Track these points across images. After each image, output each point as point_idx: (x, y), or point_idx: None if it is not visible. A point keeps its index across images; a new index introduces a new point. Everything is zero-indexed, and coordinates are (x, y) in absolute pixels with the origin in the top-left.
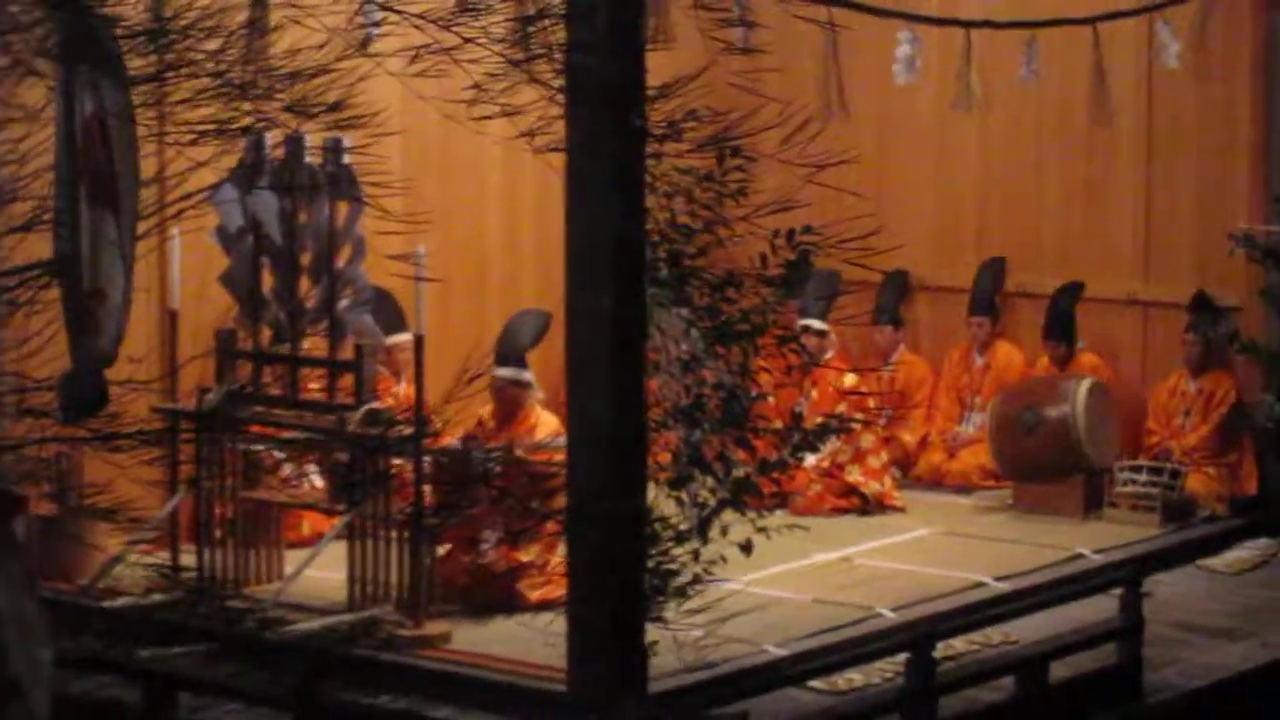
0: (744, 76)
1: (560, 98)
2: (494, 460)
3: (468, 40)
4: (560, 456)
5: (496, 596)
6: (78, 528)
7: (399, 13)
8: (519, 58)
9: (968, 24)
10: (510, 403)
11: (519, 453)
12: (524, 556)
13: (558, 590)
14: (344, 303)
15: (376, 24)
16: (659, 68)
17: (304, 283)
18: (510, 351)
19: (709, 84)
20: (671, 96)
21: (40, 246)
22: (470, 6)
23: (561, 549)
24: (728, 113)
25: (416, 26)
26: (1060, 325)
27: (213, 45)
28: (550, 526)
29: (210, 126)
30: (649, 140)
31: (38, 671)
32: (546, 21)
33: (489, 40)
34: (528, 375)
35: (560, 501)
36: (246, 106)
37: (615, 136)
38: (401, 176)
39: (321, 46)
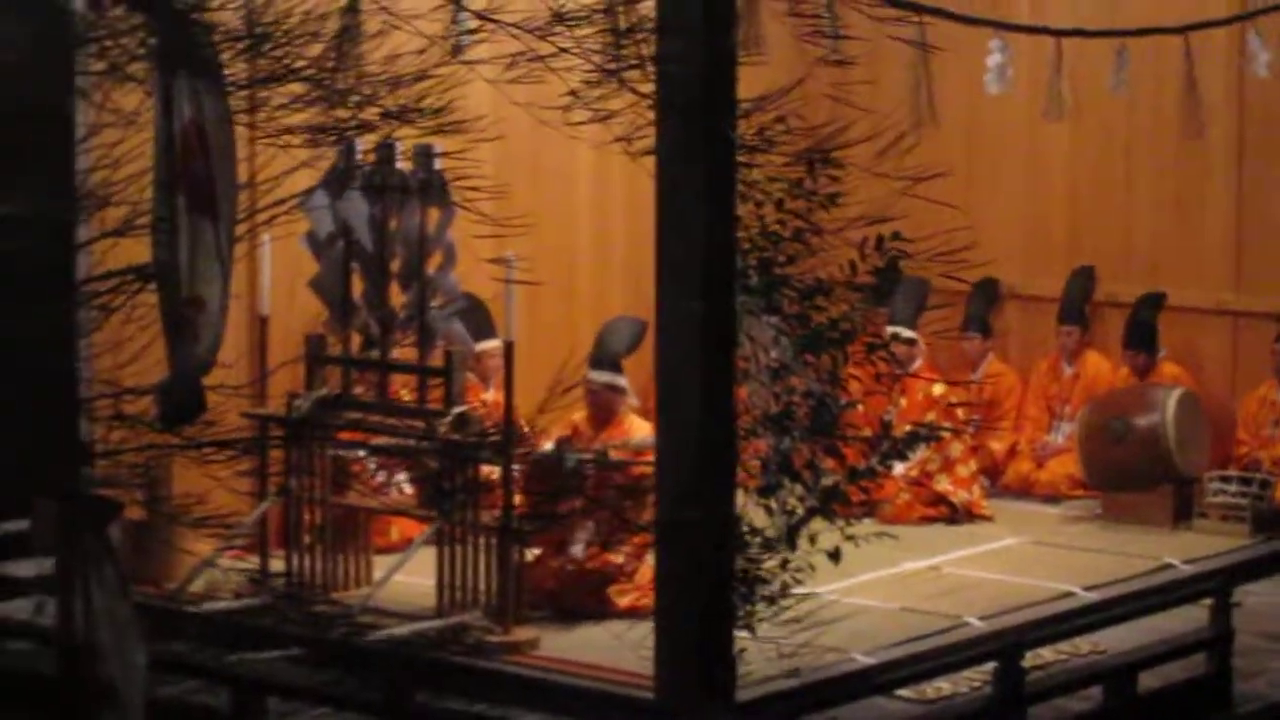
0: (835, 87)
1: (652, 105)
2: (588, 464)
3: (563, 50)
4: (651, 457)
5: (585, 603)
6: (168, 533)
7: (495, 21)
8: (613, 67)
9: (1058, 32)
10: (604, 408)
11: (612, 453)
12: (614, 559)
13: (646, 597)
14: (434, 308)
15: (471, 31)
16: (749, 76)
17: (394, 289)
18: (605, 357)
19: (801, 93)
20: (765, 110)
21: (134, 251)
22: (566, 16)
23: (650, 556)
24: (823, 125)
25: (513, 35)
26: (1140, 334)
27: (309, 51)
28: (640, 534)
29: (304, 132)
30: (740, 149)
31: (133, 675)
32: (639, 34)
33: (584, 49)
34: (622, 381)
35: (651, 508)
36: (343, 113)
37: (706, 145)
38: (492, 182)
39: (421, 53)
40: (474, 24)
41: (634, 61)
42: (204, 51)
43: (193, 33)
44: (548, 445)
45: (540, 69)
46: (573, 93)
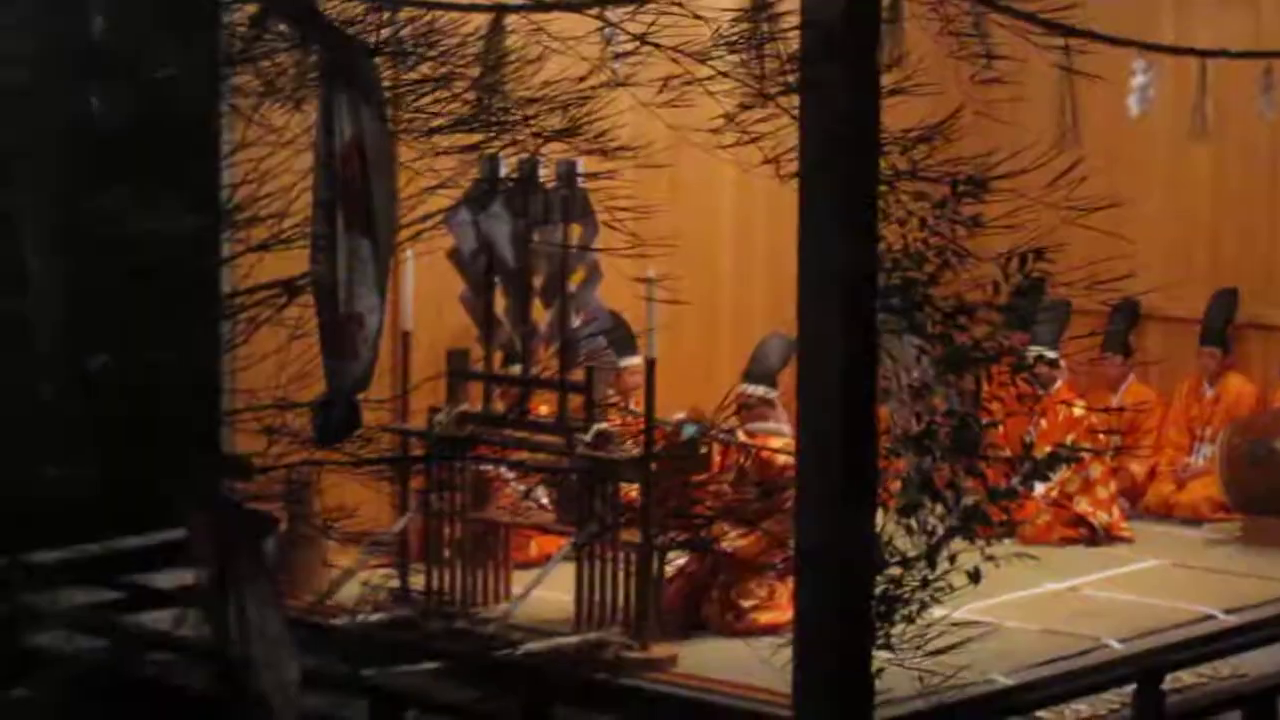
0: (984, 106)
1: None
2: (709, 437)
3: (721, 74)
4: (780, 444)
5: (724, 621)
6: (311, 545)
7: (656, 45)
8: (770, 91)
9: (1203, 53)
10: (755, 419)
11: (742, 436)
12: (746, 601)
13: (785, 615)
14: (576, 325)
15: (627, 54)
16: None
17: (537, 305)
18: (759, 371)
19: (946, 112)
20: (913, 137)
21: (279, 267)
22: (725, 40)
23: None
24: (967, 144)
25: (673, 59)
26: None
27: (466, 71)
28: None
29: (456, 152)
30: (884, 168)
31: (286, 690)
32: (786, 57)
33: (741, 74)
34: (774, 394)
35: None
36: (489, 133)
37: (849, 162)
38: (634, 200)
39: (583, 78)
40: (629, 46)
41: (782, 83)
42: (365, 68)
43: (355, 51)
44: (679, 415)
45: (690, 92)
46: (726, 115)
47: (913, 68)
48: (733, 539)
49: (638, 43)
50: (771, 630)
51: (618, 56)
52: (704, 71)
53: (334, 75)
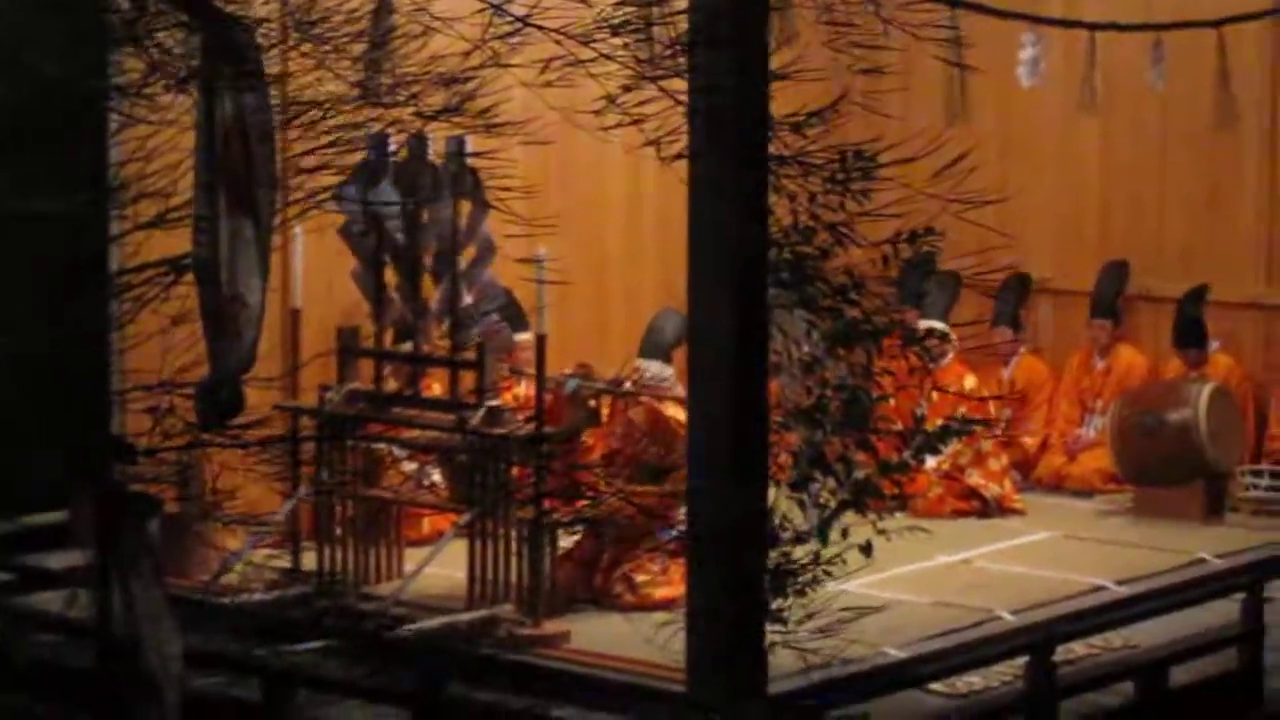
0: (867, 94)
1: (685, 105)
2: (604, 391)
3: (604, 56)
4: (673, 411)
5: (618, 596)
6: (199, 526)
7: (538, 27)
8: (651, 73)
9: (1092, 26)
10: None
11: (628, 385)
12: (640, 576)
13: (680, 590)
14: (469, 302)
15: (510, 35)
16: (780, 65)
17: (428, 282)
18: (654, 346)
19: (830, 86)
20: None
21: (166, 245)
22: (608, 22)
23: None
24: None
25: (556, 41)
26: (1190, 332)
27: (349, 49)
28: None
29: (340, 130)
30: (772, 142)
31: (168, 668)
32: (670, 40)
33: (624, 55)
34: (669, 371)
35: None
36: (375, 111)
37: (738, 139)
38: (523, 178)
39: (466, 55)
40: (513, 27)
41: (669, 66)
42: (247, 50)
43: (235, 31)
44: (564, 372)
45: (575, 73)
46: (607, 97)
47: (800, 52)
48: (623, 503)
49: (520, 24)
50: (667, 605)
51: (500, 38)
52: (588, 53)
53: (215, 55)
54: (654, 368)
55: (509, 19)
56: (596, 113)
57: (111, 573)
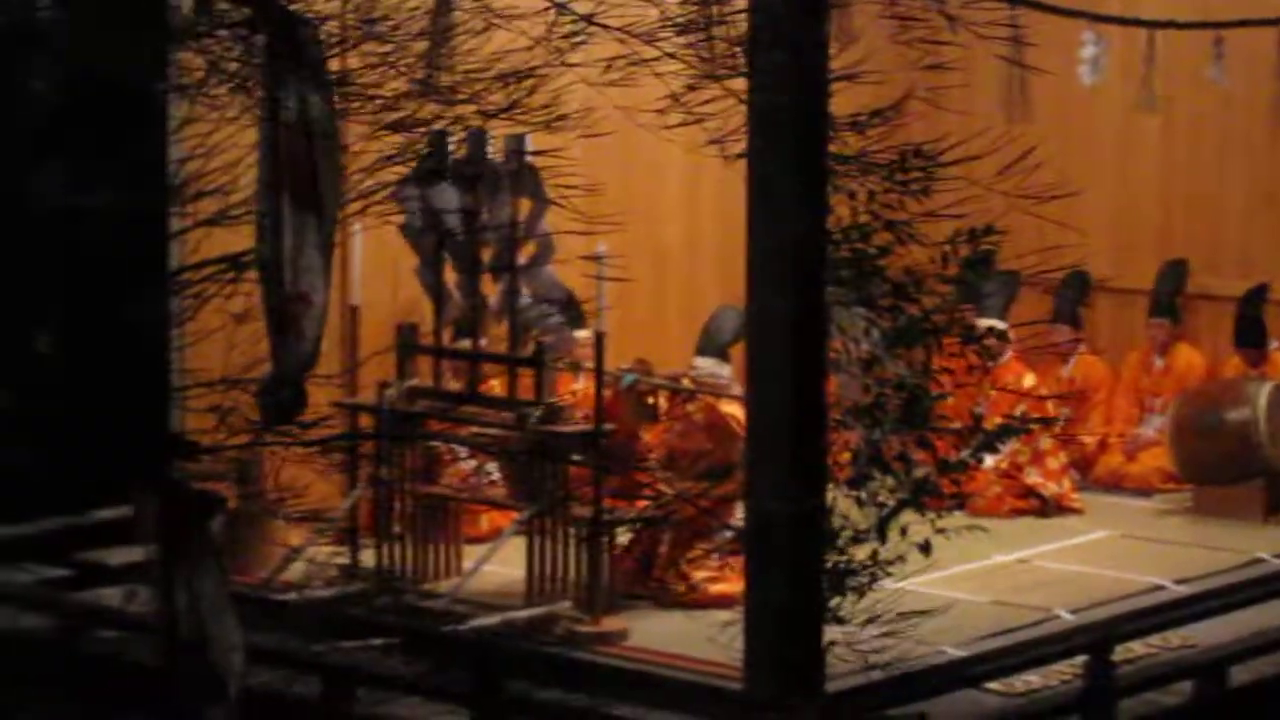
0: (929, 90)
1: (747, 104)
2: (661, 387)
3: (668, 55)
4: (730, 409)
5: (675, 591)
6: (259, 522)
7: (603, 26)
8: (717, 72)
9: (1151, 24)
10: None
11: (686, 381)
12: (698, 572)
13: (737, 587)
14: (528, 300)
15: (574, 34)
16: (842, 64)
17: (488, 279)
18: (711, 344)
19: (892, 84)
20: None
21: (227, 242)
22: (673, 21)
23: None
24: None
25: (620, 40)
26: (1250, 331)
27: (411, 47)
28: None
29: (403, 129)
30: (833, 140)
31: (232, 662)
32: (734, 39)
33: (688, 55)
34: (726, 370)
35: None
36: (437, 109)
37: (798, 136)
38: (584, 176)
39: (529, 49)
40: (576, 26)
41: (731, 65)
42: (310, 48)
43: (299, 29)
44: (623, 366)
45: (638, 71)
46: (671, 96)
47: (863, 52)
48: (681, 502)
49: (584, 23)
50: (723, 602)
51: (564, 36)
52: (650, 52)
53: (279, 53)
54: (710, 365)
55: (573, 17)
56: (659, 111)
57: (176, 570)
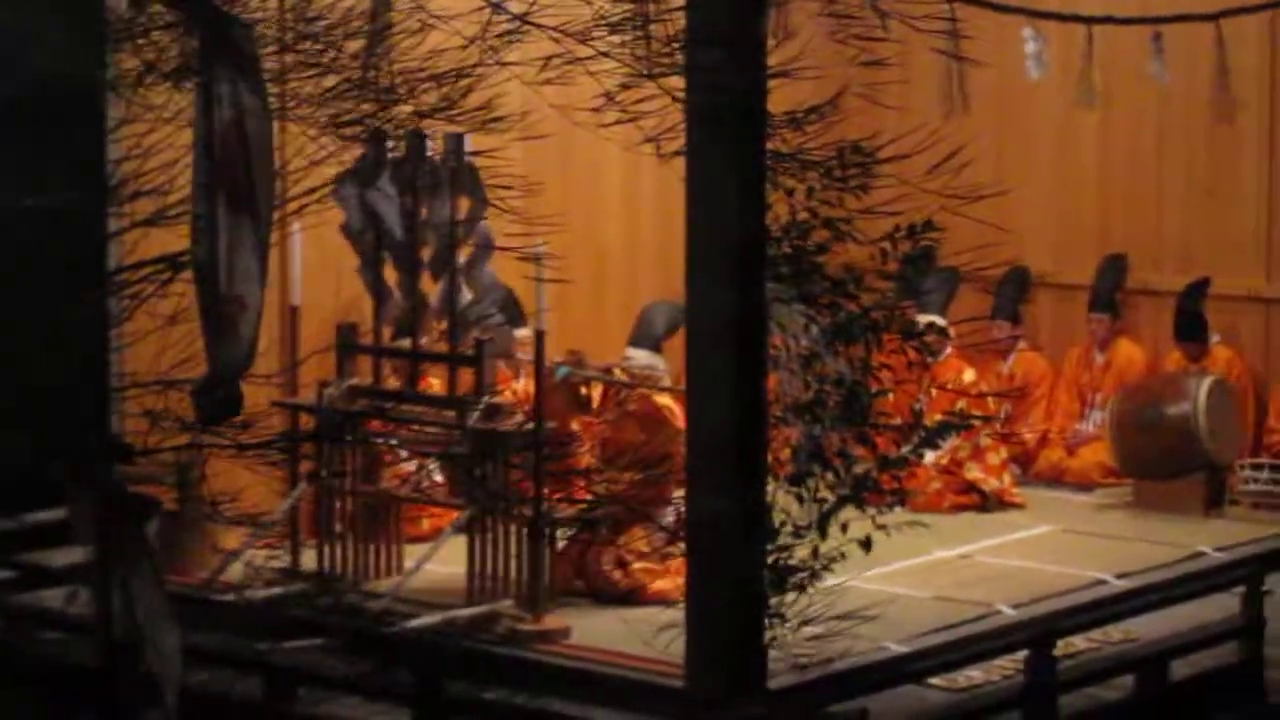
0: (868, 86)
1: (684, 102)
2: (595, 379)
3: (603, 54)
4: (667, 401)
5: (610, 577)
6: (198, 522)
7: (537, 25)
8: (650, 71)
9: (1089, 20)
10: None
11: (617, 373)
12: (635, 560)
13: (675, 582)
14: (468, 299)
15: (509, 33)
16: (779, 61)
17: (427, 279)
18: (644, 336)
19: (829, 80)
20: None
21: (164, 242)
22: (607, 20)
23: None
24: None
25: (554, 39)
26: (1190, 325)
27: (346, 46)
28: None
29: (337, 126)
30: (770, 135)
31: (168, 665)
32: (669, 37)
33: (622, 53)
34: (660, 362)
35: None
36: (371, 107)
37: (736, 131)
38: (521, 176)
39: (463, 48)
40: (511, 25)
41: (667, 63)
42: (244, 48)
43: (233, 30)
44: (556, 360)
45: (574, 70)
46: (606, 95)
47: (800, 48)
48: (614, 493)
49: (519, 22)
50: (662, 599)
51: (499, 36)
52: (585, 51)
53: (213, 54)
54: (644, 357)
55: (507, 16)
56: (595, 110)
57: (112, 572)
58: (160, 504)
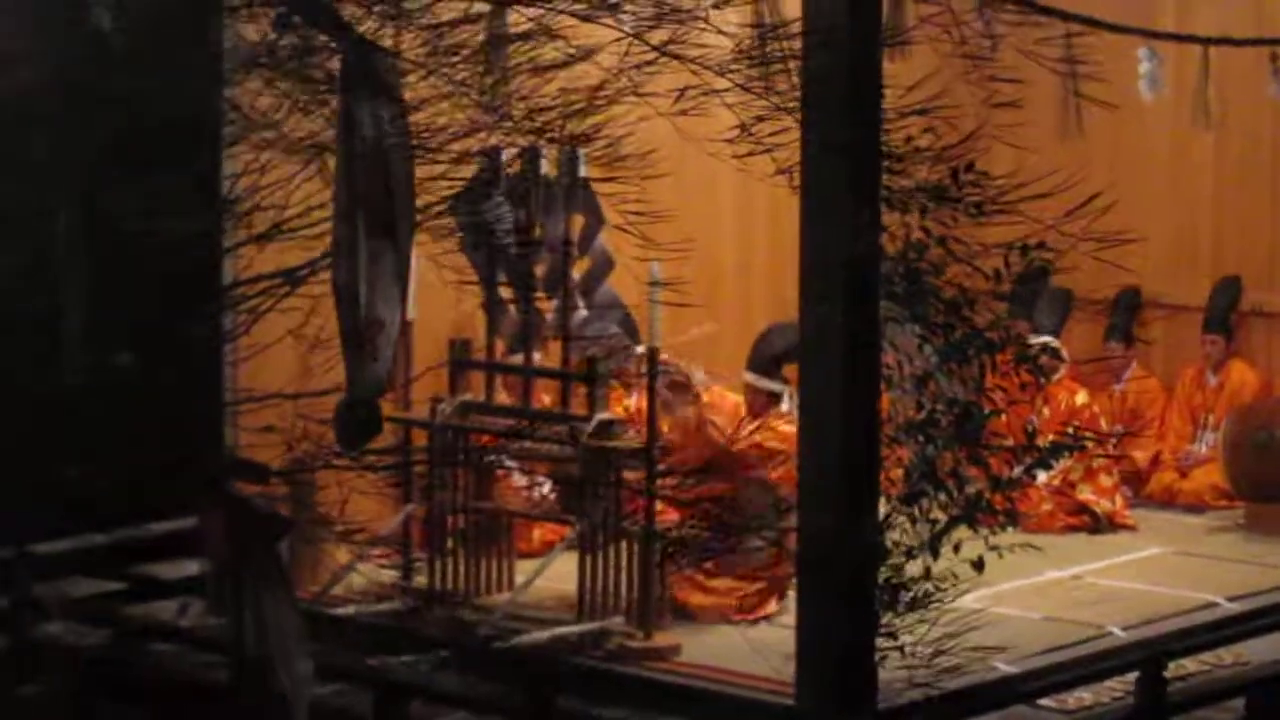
0: (983, 91)
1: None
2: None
3: (741, 87)
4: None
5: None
6: (313, 537)
7: (677, 57)
8: (786, 105)
9: (1206, 41)
10: (759, 408)
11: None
12: (749, 586)
13: (766, 608)
14: (584, 315)
15: (648, 64)
16: (898, 83)
17: (544, 295)
18: (758, 357)
19: (950, 103)
20: (909, 114)
21: (279, 258)
22: (747, 53)
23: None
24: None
25: (693, 71)
26: None
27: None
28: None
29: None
30: (886, 156)
31: (300, 686)
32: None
33: (760, 87)
34: (777, 385)
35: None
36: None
37: (851, 151)
38: (639, 195)
39: (599, 87)
40: (649, 56)
41: (799, 96)
42: (387, 78)
43: (377, 58)
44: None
45: (706, 101)
46: (741, 126)
47: (936, 87)
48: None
49: (657, 54)
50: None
51: (637, 66)
52: (723, 84)
53: (356, 79)
54: (752, 378)
55: (647, 48)
56: (730, 141)
57: (245, 591)
58: (292, 523)
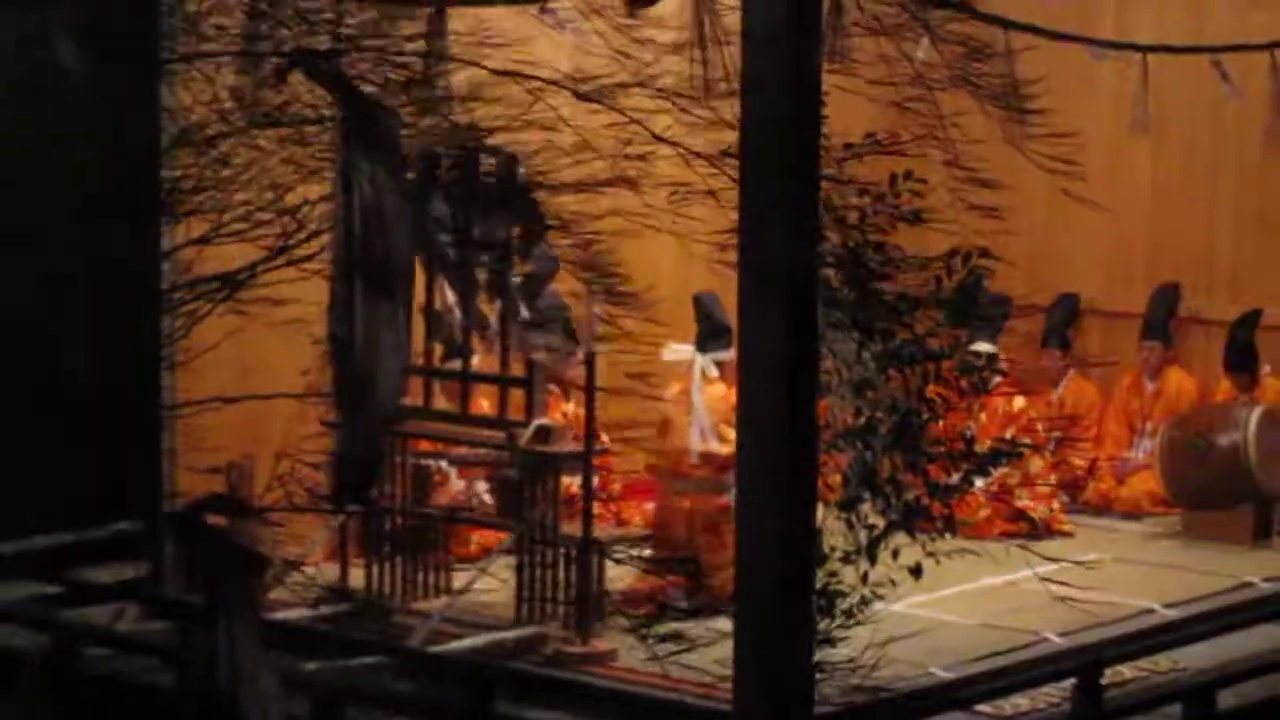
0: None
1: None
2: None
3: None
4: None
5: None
6: (249, 538)
7: (672, 144)
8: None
9: (1144, 48)
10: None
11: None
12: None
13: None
14: (525, 318)
15: (649, 154)
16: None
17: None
18: (711, 331)
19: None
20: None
21: (217, 261)
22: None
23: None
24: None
25: (686, 162)
26: (1240, 356)
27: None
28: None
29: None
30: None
31: (268, 710)
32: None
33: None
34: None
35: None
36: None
37: (791, 158)
38: (577, 207)
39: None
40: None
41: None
42: (388, 138)
43: (379, 117)
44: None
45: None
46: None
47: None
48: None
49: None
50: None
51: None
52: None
53: (357, 136)
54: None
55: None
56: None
57: (216, 622)
58: (270, 560)
